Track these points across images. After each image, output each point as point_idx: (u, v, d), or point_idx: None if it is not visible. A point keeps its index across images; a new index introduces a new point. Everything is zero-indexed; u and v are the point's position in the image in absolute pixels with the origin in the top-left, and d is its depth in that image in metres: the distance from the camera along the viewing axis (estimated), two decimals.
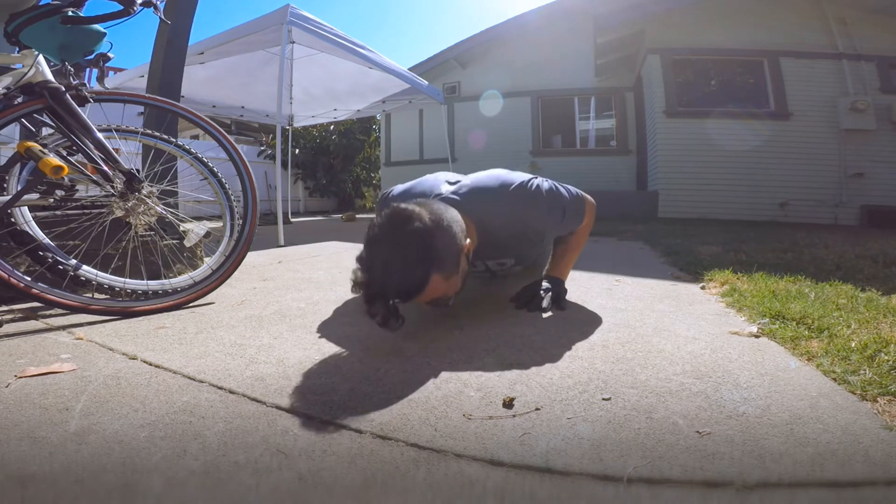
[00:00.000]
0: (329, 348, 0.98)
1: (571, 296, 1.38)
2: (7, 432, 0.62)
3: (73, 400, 0.72)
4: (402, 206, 0.97)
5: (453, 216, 1.02)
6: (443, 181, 1.29)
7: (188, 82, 2.89)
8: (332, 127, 9.48)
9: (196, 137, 8.45)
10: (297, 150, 9.10)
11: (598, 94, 7.54)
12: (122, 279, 1.28)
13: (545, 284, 1.32)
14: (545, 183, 1.23)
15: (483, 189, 1.21)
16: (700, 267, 1.88)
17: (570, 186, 1.29)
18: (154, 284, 1.32)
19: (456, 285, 1.03)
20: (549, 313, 1.24)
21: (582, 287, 1.59)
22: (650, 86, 6.01)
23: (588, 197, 1.33)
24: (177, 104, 1.59)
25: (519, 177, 1.23)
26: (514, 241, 1.26)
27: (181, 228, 1.50)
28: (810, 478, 0.52)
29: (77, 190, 1.22)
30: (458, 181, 1.28)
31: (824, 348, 0.91)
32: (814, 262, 2.10)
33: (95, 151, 1.24)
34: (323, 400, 0.72)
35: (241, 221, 1.56)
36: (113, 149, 1.29)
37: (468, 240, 1.05)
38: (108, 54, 1.27)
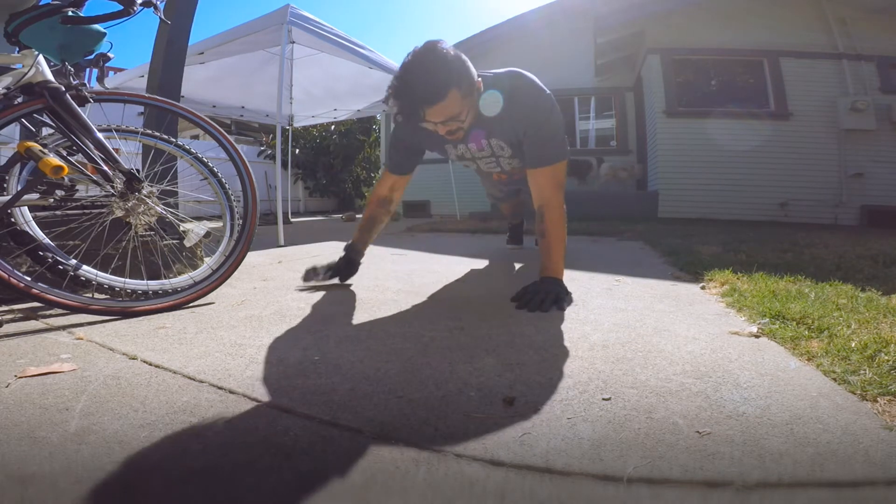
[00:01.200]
0: (329, 348, 0.98)
1: (572, 294, 1.38)
2: (7, 432, 0.62)
3: (73, 400, 0.72)
4: (430, 41, 1.22)
5: (469, 63, 1.27)
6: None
7: (188, 82, 2.90)
8: (332, 127, 9.48)
9: (196, 137, 8.45)
10: (297, 150, 9.10)
11: (598, 94, 7.53)
12: (122, 279, 1.28)
13: (545, 285, 1.33)
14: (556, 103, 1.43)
15: (498, 74, 1.43)
16: (700, 267, 1.88)
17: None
18: (154, 284, 1.32)
19: (469, 109, 1.29)
20: (548, 312, 1.24)
21: (582, 287, 1.59)
22: (650, 86, 6.00)
23: (564, 169, 1.46)
24: (177, 104, 1.59)
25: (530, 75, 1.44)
26: (508, 123, 1.43)
27: (181, 228, 1.50)
28: (810, 478, 0.52)
29: (77, 190, 1.22)
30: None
31: (824, 348, 0.91)
32: (814, 262, 2.10)
33: (95, 151, 1.24)
34: (323, 400, 0.72)
35: (241, 221, 1.56)
36: (113, 149, 1.29)
37: (479, 78, 1.31)
38: (108, 54, 1.27)
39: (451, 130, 1.31)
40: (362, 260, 1.73)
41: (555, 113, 1.42)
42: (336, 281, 1.66)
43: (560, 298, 1.30)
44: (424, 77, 1.16)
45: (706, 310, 1.29)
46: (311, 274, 1.65)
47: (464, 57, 1.25)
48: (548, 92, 1.42)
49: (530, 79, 1.42)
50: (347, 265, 1.67)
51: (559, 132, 1.44)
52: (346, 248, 1.70)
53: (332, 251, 2.74)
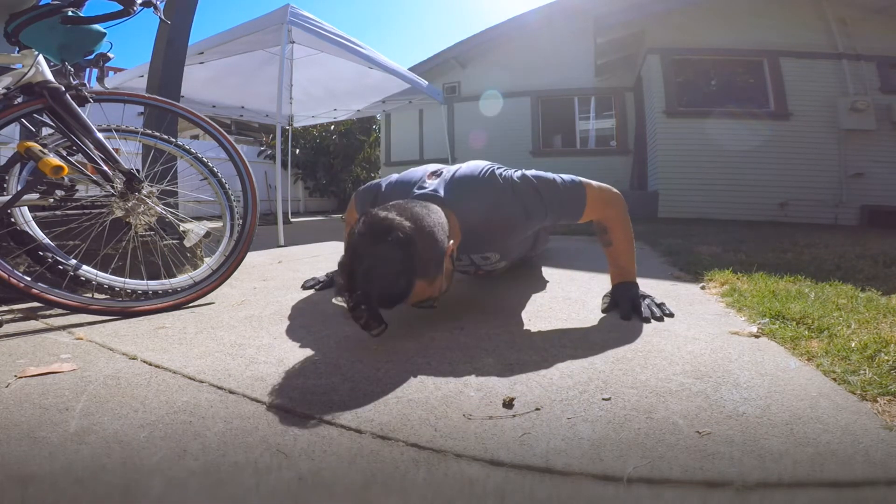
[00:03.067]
0: (329, 348, 0.98)
1: (572, 295, 1.38)
2: (7, 432, 0.62)
3: (73, 400, 0.72)
4: (382, 213, 0.96)
5: (436, 219, 1.02)
6: (428, 173, 1.29)
7: (188, 82, 2.89)
8: (332, 127, 9.47)
9: (196, 137, 8.44)
10: (297, 150, 9.10)
11: (598, 94, 7.54)
12: (122, 279, 1.28)
13: (639, 292, 1.25)
14: (528, 172, 1.21)
15: (464, 180, 1.22)
16: (700, 267, 1.88)
17: (565, 175, 1.24)
18: (154, 284, 1.32)
19: (441, 286, 1.04)
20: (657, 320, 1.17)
21: (582, 287, 1.59)
22: (650, 86, 6.00)
23: (595, 184, 1.24)
24: (177, 104, 1.59)
25: (501, 168, 1.23)
26: (498, 233, 1.25)
27: (181, 228, 1.50)
28: (810, 478, 0.52)
29: (77, 190, 1.22)
30: (441, 173, 1.27)
31: (824, 348, 0.91)
32: (814, 262, 2.10)
33: (95, 151, 1.24)
34: (323, 400, 0.72)
35: (241, 221, 1.56)
36: (113, 149, 1.29)
37: (451, 240, 1.06)
38: (108, 54, 1.27)
39: (421, 307, 1.05)
40: None
41: (512, 184, 1.19)
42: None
43: (652, 304, 1.23)
44: (380, 283, 0.91)
45: (706, 310, 1.29)
46: (310, 282, 1.64)
47: (428, 223, 0.98)
48: (494, 172, 1.21)
49: (475, 182, 1.20)
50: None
51: (538, 188, 1.19)
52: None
53: (331, 251, 2.74)
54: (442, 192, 1.18)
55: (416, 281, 0.94)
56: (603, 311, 1.25)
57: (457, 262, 1.27)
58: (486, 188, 1.19)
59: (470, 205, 1.17)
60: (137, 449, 0.58)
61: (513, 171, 1.24)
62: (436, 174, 1.28)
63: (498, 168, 1.24)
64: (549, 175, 1.23)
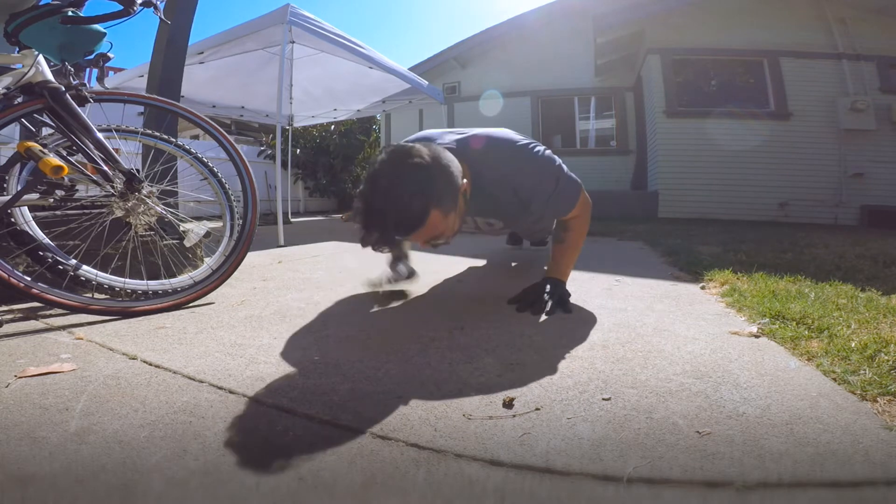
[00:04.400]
0: (329, 348, 0.98)
1: (572, 296, 1.38)
2: (7, 432, 0.62)
3: (73, 400, 0.72)
4: (403, 142, 1.02)
5: (452, 158, 1.05)
6: (448, 132, 1.32)
7: (188, 82, 2.89)
8: (332, 127, 9.47)
9: (196, 137, 8.45)
10: (297, 150, 9.09)
11: (597, 94, 7.54)
12: (122, 279, 1.28)
13: (548, 287, 1.30)
14: (547, 152, 1.25)
15: (485, 138, 1.24)
16: (700, 267, 1.88)
17: (571, 172, 1.29)
18: (154, 284, 1.32)
19: (453, 224, 1.06)
20: (552, 315, 1.23)
21: (582, 287, 1.59)
22: (650, 86, 6.00)
23: (586, 193, 1.32)
24: (177, 104, 1.58)
25: (523, 138, 1.26)
26: (505, 198, 1.26)
27: (181, 228, 1.50)
28: (810, 478, 0.52)
29: (77, 190, 1.22)
30: (463, 133, 1.30)
31: (824, 348, 0.91)
32: (814, 262, 2.10)
33: (95, 151, 1.23)
34: (323, 400, 0.72)
35: (241, 221, 1.56)
36: (113, 149, 1.29)
37: (465, 180, 1.08)
38: (108, 54, 1.27)
39: (433, 244, 1.09)
40: (362, 262, 1.70)
41: (546, 166, 1.23)
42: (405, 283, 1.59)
43: (564, 301, 1.29)
44: (397, 202, 0.92)
45: (706, 310, 1.29)
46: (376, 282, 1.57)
47: (444, 158, 1.01)
48: (533, 148, 1.24)
49: (513, 146, 1.23)
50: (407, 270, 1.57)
51: (556, 169, 1.24)
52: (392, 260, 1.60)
53: (331, 251, 2.74)
54: (457, 145, 1.21)
55: (432, 209, 0.95)
56: (510, 302, 1.32)
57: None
58: (505, 150, 1.22)
59: (485, 160, 1.19)
60: (137, 449, 0.58)
61: (541, 146, 1.26)
62: (456, 132, 1.31)
63: (526, 139, 1.27)
64: (561, 163, 1.28)
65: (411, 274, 1.59)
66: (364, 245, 0.94)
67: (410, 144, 1.00)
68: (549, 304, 1.25)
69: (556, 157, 1.27)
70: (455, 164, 1.04)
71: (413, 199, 0.93)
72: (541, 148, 1.24)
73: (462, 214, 1.09)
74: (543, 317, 1.21)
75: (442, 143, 1.19)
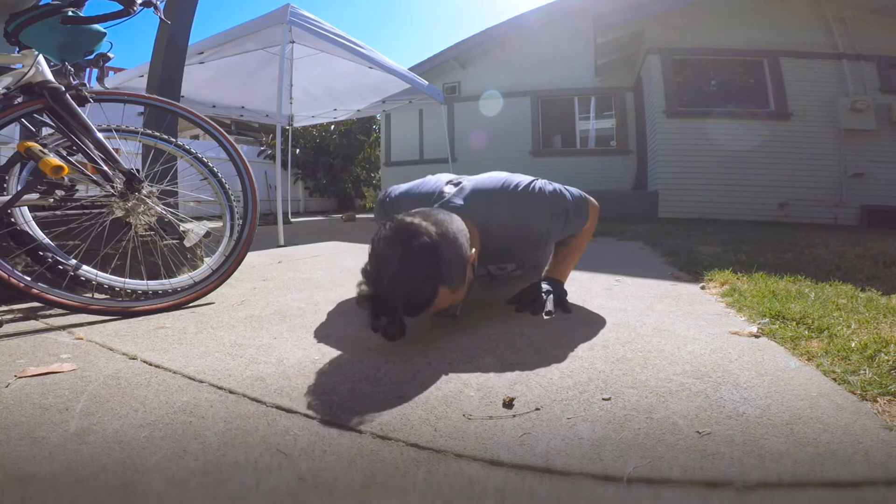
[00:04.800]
0: (329, 348, 0.98)
1: (572, 296, 1.38)
2: (7, 432, 0.62)
3: (73, 400, 0.72)
4: (408, 219, 0.96)
5: (458, 226, 1.01)
6: (445, 182, 1.27)
7: (188, 82, 2.89)
8: (332, 127, 9.48)
9: (196, 137, 8.44)
10: (297, 150, 9.10)
11: (597, 94, 7.54)
12: (122, 279, 1.28)
13: (545, 286, 1.30)
14: (548, 185, 1.22)
15: (485, 192, 1.20)
16: (700, 267, 1.88)
17: (572, 189, 1.27)
18: (154, 284, 1.32)
19: (462, 295, 1.03)
20: (551, 315, 1.23)
21: (582, 287, 1.59)
22: (650, 86, 6.00)
23: (591, 199, 1.31)
24: (177, 104, 1.58)
25: (521, 179, 1.22)
26: (517, 244, 1.25)
27: (181, 228, 1.50)
28: (810, 478, 0.52)
29: (77, 190, 1.22)
30: (459, 183, 1.26)
31: (824, 348, 0.91)
32: (814, 262, 2.10)
33: (95, 151, 1.24)
34: (323, 400, 0.72)
35: (241, 221, 1.56)
36: (113, 149, 1.29)
37: (473, 249, 1.04)
38: (108, 54, 1.27)
39: (442, 315, 1.06)
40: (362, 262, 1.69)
41: (543, 196, 1.19)
42: None
43: (562, 300, 1.29)
44: (405, 287, 0.88)
45: (706, 310, 1.29)
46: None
47: (451, 231, 0.96)
48: (521, 183, 1.19)
49: (515, 194, 1.18)
50: None
51: (562, 201, 1.22)
52: None
53: (331, 251, 2.74)
54: (461, 202, 1.17)
55: (441, 288, 0.92)
56: (509, 302, 1.32)
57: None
58: (509, 199, 1.18)
59: (491, 215, 1.16)
60: (137, 449, 0.58)
61: (540, 181, 1.23)
62: (453, 184, 1.26)
63: (524, 179, 1.22)
64: (562, 189, 1.25)
65: None
66: (374, 330, 0.91)
67: (415, 221, 0.94)
68: (548, 303, 1.25)
69: (554, 184, 1.24)
70: (463, 234, 1.00)
71: (421, 283, 0.90)
72: (538, 183, 1.21)
73: (471, 284, 1.06)
74: (543, 317, 1.21)
75: (444, 202, 1.17)
